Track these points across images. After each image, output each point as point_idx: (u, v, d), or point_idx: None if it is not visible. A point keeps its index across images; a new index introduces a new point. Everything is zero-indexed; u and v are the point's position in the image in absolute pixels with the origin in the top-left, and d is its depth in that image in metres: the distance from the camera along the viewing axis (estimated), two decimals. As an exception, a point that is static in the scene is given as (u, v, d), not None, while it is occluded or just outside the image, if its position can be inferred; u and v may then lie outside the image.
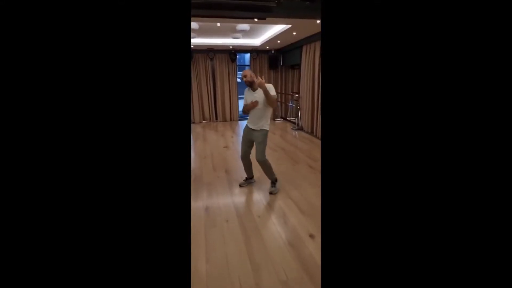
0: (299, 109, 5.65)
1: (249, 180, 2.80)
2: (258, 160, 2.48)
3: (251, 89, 2.43)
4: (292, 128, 5.79)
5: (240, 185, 2.75)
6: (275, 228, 1.98)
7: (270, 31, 4.73)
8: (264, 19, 2.99)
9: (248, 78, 2.35)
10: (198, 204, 2.38)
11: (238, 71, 7.18)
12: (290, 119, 6.87)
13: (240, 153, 2.64)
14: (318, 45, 4.65)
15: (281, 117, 7.20)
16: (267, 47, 6.20)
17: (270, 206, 2.32)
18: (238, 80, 7.15)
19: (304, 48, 5.23)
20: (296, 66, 6.64)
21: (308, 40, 4.89)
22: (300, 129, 5.61)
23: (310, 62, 4.99)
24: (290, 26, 3.91)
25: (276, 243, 1.80)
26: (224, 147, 4.36)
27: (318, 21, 3.60)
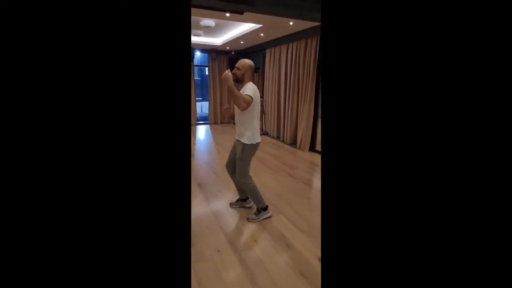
0: (264, 113, 5.47)
1: (242, 202, 2.26)
2: (236, 180, 2.06)
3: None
4: (256, 133, 5.57)
5: (230, 205, 2.30)
6: (278, 254, 1.69)
7: (236, 30, 4.44)
8: (242, 13, 2.70)
9: (237, 73, 1.85)
10: (175, 231, 1.92)
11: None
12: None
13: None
14: (284, 48, 4.54)
15: (242, 122, 6.93)
16: (228, 48, 5.88)
17: (264, 227, 2.01)
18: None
19: (268, 51, 5.08)
20: (257, 70, 6.49)
21: (274, 43, 4.75)
22: (265, 134, 5.43)
23: (276, 66, 4.86)
24: (260, 25, 3.68)
25: (285, 274, 1.51)
26: (188, 156, 3.87)
27: (291, 23, 3.47)
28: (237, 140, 1.97)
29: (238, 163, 1.96)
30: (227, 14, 3.06)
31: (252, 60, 6.78)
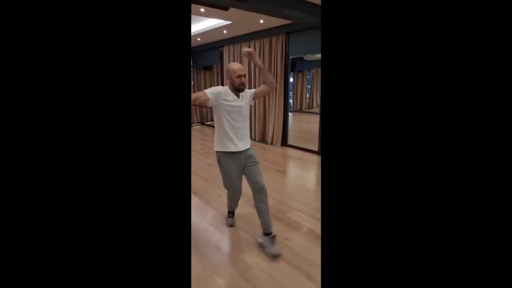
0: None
1: (233, 214, 2.07)
2: (264, 187, 1.69)
3: (236, 93, 1.59)
4: (220, 133, 5.43)
5: (231, 225, 2.00)
6: (317, 248, 1.74)
7: (197, 26, 4.20)
8: (227, 9, 2.59)
9: (245, 79, 1.59)
10: (205, 247, 1.77)
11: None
12: (209, 123, 6.43)
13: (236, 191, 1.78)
14: (245, 46, 4.53)
15: (198, 122, 6.63)
16: (179, 45, 5.51)
17: (287, 224, 2.03)
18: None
19: (225, 49, 4.99)
20: (210, 68, 6.28)
21: (233, 40, 4.69)
22: (229, 133, 5.35)
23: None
24: (229, 22, 3.59)
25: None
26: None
27: (262, 21, 3.50)
28: (250, 148, 1.70)
29: (258, 168, 1.71)
30: (202, 10, 2.89)
31: (204, 58, 6.48)
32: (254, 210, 2.24)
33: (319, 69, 4.91)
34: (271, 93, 4.30)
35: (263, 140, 4.68)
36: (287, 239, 1.83)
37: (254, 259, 1.62)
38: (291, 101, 6.27)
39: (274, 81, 1.60)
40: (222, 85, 5.21)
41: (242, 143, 1.65)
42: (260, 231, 1.76)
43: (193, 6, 2.76)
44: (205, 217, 2.14)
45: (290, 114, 4.52)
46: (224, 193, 2.52)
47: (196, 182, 2.87)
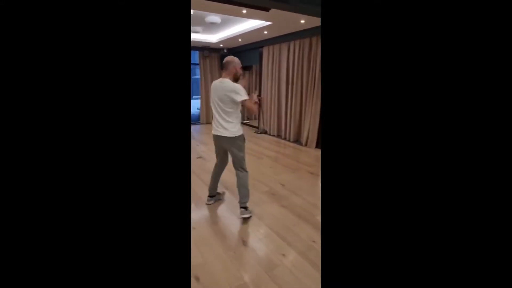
0: (262, 112, 5.44)
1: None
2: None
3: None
4: (255, 132, 5.52)
5: (246, 216, 2.07)
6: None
7: (238, 27, 4.32)
8: (268, 10, 2.63)
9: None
10: (231, 238, 1.84)
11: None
12: (245, 122, 6.57)
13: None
14: (284, 46, 4.54)
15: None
16: (221, 45, 5.72)
17: (313, 226, 2.00)
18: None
19: (265, 49, 5.05)
20: (248, 68, 6.41)
21: (273, 41, 4.72)
22: (264, 132, 5.41)
23: (275, 64, 4.84)
24: (270, 23, 3.63)
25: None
26: (198, 158, 3.70)
27: (303, 21, 3.47)
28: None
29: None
30: (244, 11, 2.97)
31: (244, 58, 6.56)
32: (281, 209, 2.26)
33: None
34: (306, 95, 4.24)
35: (297, 141, 4.64)
36: (314, 241, 1.81)
37: (279, 258, 1.64)
38: (329, 103, 6.14)
39: (254, 112, 2.08)
40: (260, 85, 5.21)
41: None
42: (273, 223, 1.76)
43: (236, 7, 2.86)
44: (235, 211, 2.21)
45: (327, 116, 4.46)
46: (252, 191, 2.58)
47: (228, 178, 2.97)
